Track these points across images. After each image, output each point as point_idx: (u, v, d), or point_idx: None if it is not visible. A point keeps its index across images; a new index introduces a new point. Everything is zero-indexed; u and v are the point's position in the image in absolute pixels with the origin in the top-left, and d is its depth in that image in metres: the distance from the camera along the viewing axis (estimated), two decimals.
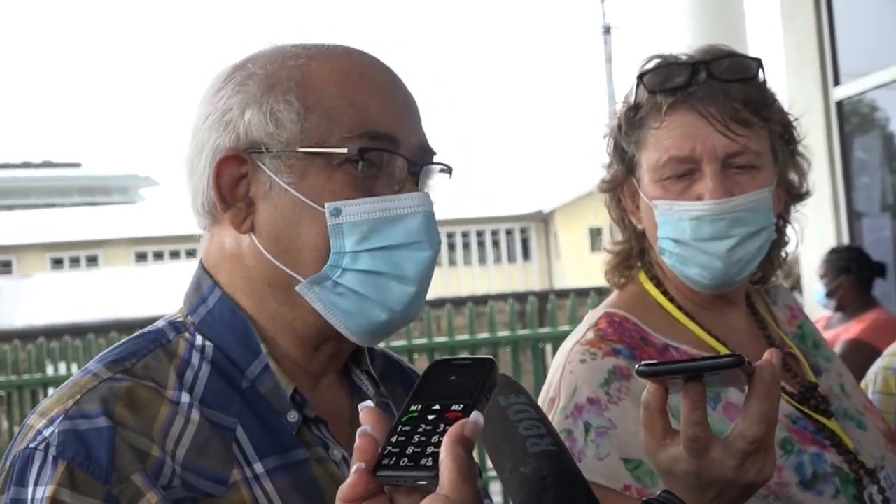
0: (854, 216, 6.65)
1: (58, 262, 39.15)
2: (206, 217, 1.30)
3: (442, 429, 0.96)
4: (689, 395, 1.21)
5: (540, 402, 1.68)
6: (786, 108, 1.77)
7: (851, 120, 6.78)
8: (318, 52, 1.29)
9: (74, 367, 8.53)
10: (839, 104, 6.62)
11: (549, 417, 1.62)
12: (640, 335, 1.70)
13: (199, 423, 1.19)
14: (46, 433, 1.13)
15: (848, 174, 6.64)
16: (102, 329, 10.51)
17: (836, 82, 6.61)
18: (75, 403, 1.15)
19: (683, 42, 1.85)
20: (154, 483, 1.12)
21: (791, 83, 6.85)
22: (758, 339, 1.79)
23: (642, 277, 1.79)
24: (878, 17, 6.49)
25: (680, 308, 1.74)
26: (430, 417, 0.99)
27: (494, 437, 1.12)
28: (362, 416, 1.00)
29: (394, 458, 0.95)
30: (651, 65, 1.73)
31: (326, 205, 1.22)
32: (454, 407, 0.99)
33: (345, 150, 1.22)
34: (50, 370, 8.61)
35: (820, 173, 6.64)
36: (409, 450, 0.95)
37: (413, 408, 1.01)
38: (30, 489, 1.11)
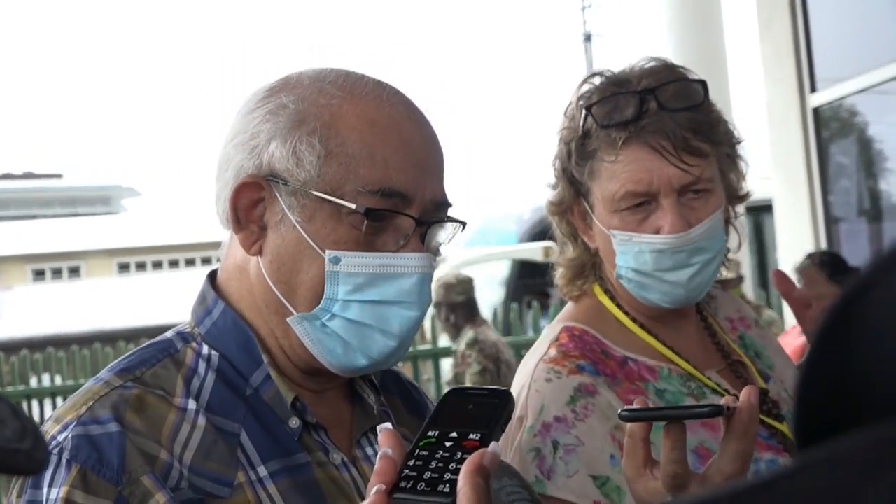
0: (832, 221, 6.72)
1: (40, 274, 38.97)
2: (224, 224, 1.34)
3: (459, 456, 1.00)
4: (670, 436, 1.25)
5: None
6: (735, 120, 1.78)
7: (829, 126, 6.85)
8: (352, 92, 1.30)
9: (58, 379, 8.52)
10: (816, 111, 6.69)
11: (517, 436, 1.64)
12: (601, 348, 1.73)
13: (205, 429, 1.24)
14: (60, 438, 1.19)
15: (825, 180, 6.71)
16: (86, 340, 10.47)
17: (813, 89, 6.67)
18: (88, 410, 1.21)
19: (663, 51, 1.84)
20: (162, 485, 1.17)
21: (769, 90, 6.92)
22: (708, 347, 1.82)
23: (597, 290, 1.80)
24: (854, 25, 6.56)
25: (634, 320, 1.77)
26: (448, 444, 1.02)
27: None
28: (381, 438, 1.05)
29: (411, 482, 0.99)
30: (595, 86, 1.72)
31: (327, 251, 1.26)
32: (471, 436, 1.03)
33: (353, 206, 1.25)
34: (34, 382, 8.59)
35: (797, 179, 6.70)
36: (427, 475, 0.99)
37: (430, 433, 1.04)
38: (45, 490, 1.16)
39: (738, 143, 1.79)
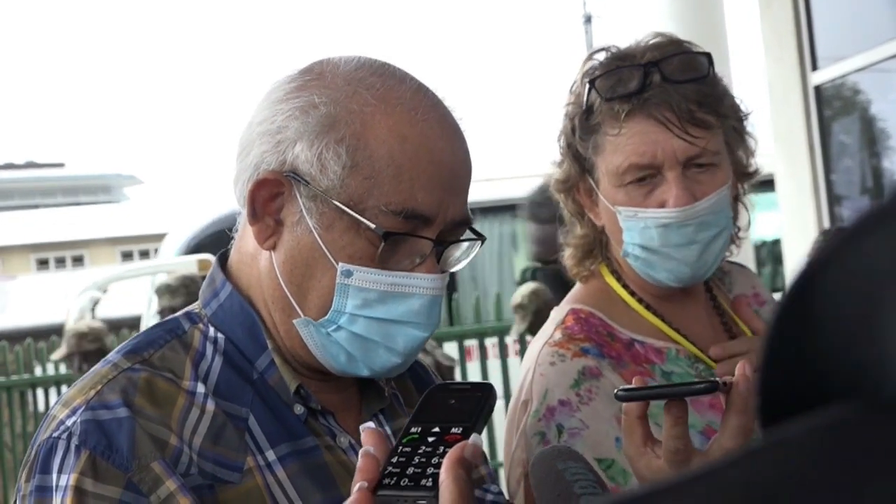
0: (834, 200, 6.70)
1: (43, 263, 39.02)
2: (241, 205, 1.32)
3: (442, 450, 1.01)
4: (671, 412, 1.25)
5: (512, 404, 1.72)
6: (738, 95, 1.75)
7: (831, 104, 6.83)
8: (386, 101, 1.26)
9: (62, 368, 8.53)
10: (817, 89, 6.66)
11: (522, 420, 1.64)
12: (607, 330, 1.72)
13: (213, 413, 1.24)
14: (69, 423, 1.18)
15: (828, 158, 6.69)
16: None
17: (814, 67, 6.65)
18: (96, 394, 1.20)
19: (663, 30, 1.81)
20: (173, 471, 1.17)
21: (770, 69, 6.89)
22: (716, 327, 1.81)
23: (604, 271, 1.79)
24: (855, 2, 6.53)
25: (640, 301, 1.75)
26: (430, 439, 1.04)
27: (549, 495, 1.15)
28: (364, 437, 1.06)
29: (395, 478, 1.00)
30: (599, 62, 1.70)
31: (340, 263, 1.24)
32: (454, 430, 1.04)
33: (372, 226, 1.22)
34: (38, 371, 8.60)
35: (800, 158, 6.68)
36: (410, 470, 1.00)
37: (413, 429, 1.05)
38: (54, 476, 1.16)
39: (745, 117, 1.76)
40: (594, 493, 1.09)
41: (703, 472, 0.40)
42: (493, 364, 7.62)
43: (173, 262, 11.13)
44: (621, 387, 1.27)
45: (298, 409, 1.29)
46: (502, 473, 1.72)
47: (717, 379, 1.25)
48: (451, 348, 7.43)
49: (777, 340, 0.44)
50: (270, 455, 1.25)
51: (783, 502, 0.36)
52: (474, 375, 7.37)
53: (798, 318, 0.43)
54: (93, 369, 1.26)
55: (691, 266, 1.66)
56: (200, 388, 1.25)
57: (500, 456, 1.82)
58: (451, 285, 10.59)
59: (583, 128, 1.70)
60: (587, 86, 1.68)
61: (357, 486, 1.00)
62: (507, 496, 1.59)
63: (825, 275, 0.42)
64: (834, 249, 0.42)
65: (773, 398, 0.44)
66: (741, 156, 1.77)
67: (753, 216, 1.88)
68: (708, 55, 1.69)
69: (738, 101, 1.76)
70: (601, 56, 1.71)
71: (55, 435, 1.18)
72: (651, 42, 1.69)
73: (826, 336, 0.42)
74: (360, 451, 1.04)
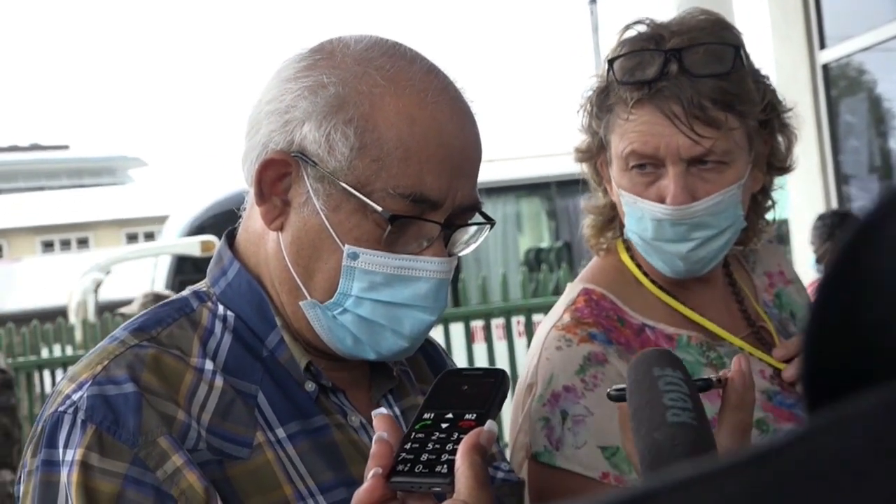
0: (842, 180, 6.68)
1: (48, 245, 39.08)
2: (249, 184, 1.31)
3: (456, 437, 1.01)
4: None
5: (518, 386, 1.70)
6: (772, 81, 1.70)
7: (838, 83, 6.80)
8: (396, 82, 1.24)
9: (69, 350, 8.55)
10: (825, 67, 6.63)
11: (527, 404, 1.63)
12: (618, 314, 1.69)
13: (222, 389, 1.23)
14: (75, 397, 1.18)
15: (835, 138, 6.67)
16: (96, 311, 10.50)
17: (822, 46, 6.62)
18: (103, 369, 1.20)
19: (668, 11, 1.78)
20: (180, 446, 1.16)
21: (777, 48, 6.86)
22: (733, 313, 1.77)
23: (620, 248, 1.76)
24: None
25: (654, 282, 1.72)
26: (444, 426, 1.03)
27: (639, 401, 1.12)
28: (376, 422, 1.06)
29: (409, 465, 0.99)
30: (631, 37, 1.65)
31: (346, 246, 1.23)
32: (467, 416, 1.03)
33: (379, 209, 1.21)
34: (45, 353, 8.63)
35: (807, 137, 6.66)
36: (424, 457, 1.00)
37: (426, 415, 1.05)
38: (60, 451, 1.16)
39: (785, 111, 1.70)
40: (682, 406, 1.07)
41: (753, 455, 0.37)
42: (500, 346, 7.62)
43: (176, 243, 11.17)
44: (614, 387, 1.26)
45: (310, 385, 1.29)
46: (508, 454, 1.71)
47: (711, 376, 1.23)
48: (457, 329, 7.44)
49: (826, 310, 0.40)
50: (280, 432, 1.24)
51: (837, 489, 0.34)
52: (480, 357, 7.37)
53: (850, 285, 0.40)
54: (99, 345, 1.26)
55: (685, 261, 1.64)
56: (209, 365, 1.25)
57: (507, 436, 1.81)
58: (456, 266, 10.56)
59: (599, 106, 1.68)
60: (606, 65, 1.65)
61: (371, 472, 1.00)
62: None
63: (879, 237, 0.39)
64: (887, 209, 0.39)
65: (820, 374, 0.41)
66: (778, 149, 1.72)
67: (783, 201, 1.83)
68: (736, 48, 1.62)
69: (776, 94, 1.69)
70: (639, 28, 1.66)
71: (61, 409, 1.18)
72: (689, 23, 1.64)
73: (883, 301, 0.39)
74: (374, 437, 1.03)
